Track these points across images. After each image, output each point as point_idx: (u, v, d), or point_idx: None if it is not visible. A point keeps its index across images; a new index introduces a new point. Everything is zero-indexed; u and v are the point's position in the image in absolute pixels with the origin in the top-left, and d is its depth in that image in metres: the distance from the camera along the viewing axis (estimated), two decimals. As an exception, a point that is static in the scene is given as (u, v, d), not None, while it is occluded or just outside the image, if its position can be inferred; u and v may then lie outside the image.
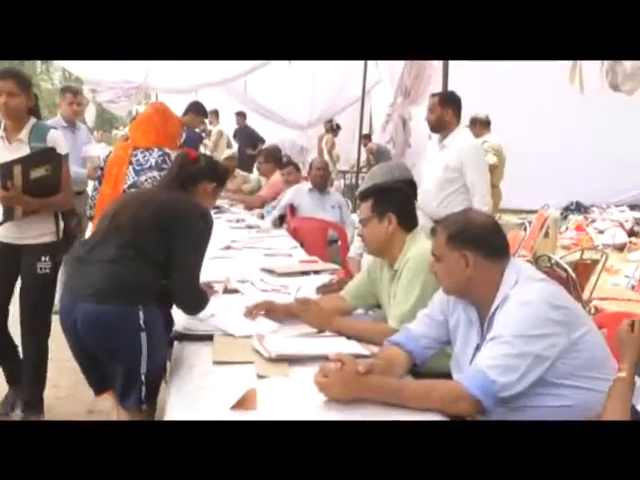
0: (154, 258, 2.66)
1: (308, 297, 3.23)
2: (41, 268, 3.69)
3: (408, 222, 2.93)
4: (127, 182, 3.86)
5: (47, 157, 3.60)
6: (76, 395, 4.13)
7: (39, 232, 3.70)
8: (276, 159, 7.61)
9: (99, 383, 2.78)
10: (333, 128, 12.68)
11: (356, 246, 4.66)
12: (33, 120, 3.69)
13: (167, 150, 3.92)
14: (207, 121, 13.17)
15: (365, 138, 10.61)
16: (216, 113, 13.21)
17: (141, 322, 2.55)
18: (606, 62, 5.74)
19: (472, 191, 4.55)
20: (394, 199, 2.94)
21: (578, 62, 5.44)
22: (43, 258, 3.69)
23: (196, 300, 2.83)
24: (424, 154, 5.20)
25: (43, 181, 3.57)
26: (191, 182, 2.97)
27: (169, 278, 2.76)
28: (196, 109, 7.12)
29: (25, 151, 3.57)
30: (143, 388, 2.58)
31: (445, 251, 2.25)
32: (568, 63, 5.89)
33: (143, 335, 2.55)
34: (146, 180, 3.83)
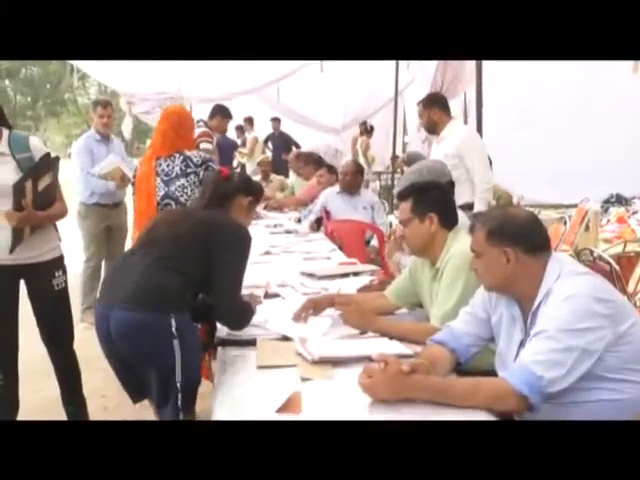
0: (188, 271, 2.69)
1: (350, 295, 3.25)
2: (57, 284, 3.60)
3: (449, 220, 2.91)
4: (159, 194, 3.98)
5: (50, 163, 3.47)
6: (124, 404, 4.17)
7: (48, 247, 3.57)
8: (314, 162, 7.67)
9: (136, 391, 2.82)
10: (367, 130, 12.68)
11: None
12: (6, 131, 3.47)
13: (187, 153, 4.03)
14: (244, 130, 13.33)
15: (394, 159, 10.55)
16: (250, 120, 13.30)
17: (173, 330, 2.57)
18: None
19: (472, 172, 4.85)
20: (434, 198, 2.91)
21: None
22: (57, 273, 3.60)
23: (238, 316, 2.84)
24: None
25: (48, 190, 3.45)
26: (227, 199, 3.02)
27: (210, 295, 2.82)
28: (221, 112, 7.08)
29: (10, 164, 3.38)
30: (179, 396, 2.60)
31: (485, 248, 2.24)
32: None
33: (176, 343, 2.57)
34: (176, 189, 3.95)
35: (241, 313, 2.85)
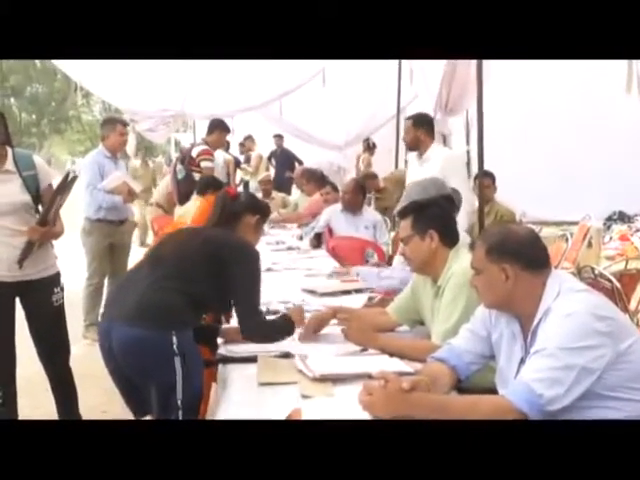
0: (192, 291, 2.70)
1: (351, 309, 3.26)
2: (56, 300, 3.63)
3: (450, 237, 2.92)
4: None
5: (72, 181, 3.53)
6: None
7: (48, 264, 3.62)
8: (317, 179, 7.71)
9: (138, 407, 2.82)
10: (369, 147, 12.70)
11: (397, 263, 4.69)
12: (10, 149, 3.49)
13: None
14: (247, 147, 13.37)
15: None
16: (251, 138, 13.34)
17: (174, 347, 2.58)
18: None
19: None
20: (434, 215, 2.93)
21: (635, 69, 5.34)
22: (56, 289, 3.64)
23: (266, 329, 2.85)
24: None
25: (60, 208, 3.54)
26: (234, 218, 3.04)
27: (217, 313, 2.83)
28: (221, 127, 6.96)
29: (17, 182, 3.44)
30: (180, 413, 2.61)
31: (485, 264, 2.24)
32: (615, 71, 5.77)
33: (177, 360, 2.58)
34: None
35: (263, 326, 2.85)
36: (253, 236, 3.10)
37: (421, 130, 5.25)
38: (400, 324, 3.20)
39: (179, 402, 2.59)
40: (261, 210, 3.17)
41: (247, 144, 13.49)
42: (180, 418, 2.60)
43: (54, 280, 3.65)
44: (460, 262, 2.79)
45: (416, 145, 5.28)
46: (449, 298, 2.79)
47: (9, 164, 3.45)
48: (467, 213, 4.87)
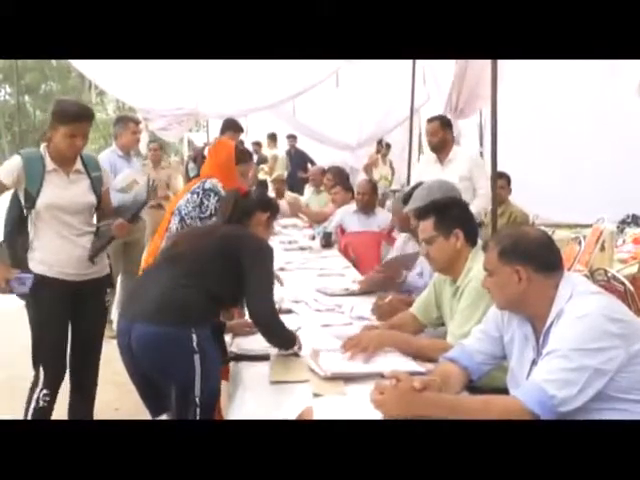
0: (210, 287, 2.72)
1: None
2: (107, 300, 3.69)
3: (473, 236, 2.91)
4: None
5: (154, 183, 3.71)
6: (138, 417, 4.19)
7: (106, 262, 3.66)
8: (343, 178, 7.75)
9: (155, 405, 2.83)
10: (382, 147, 12.67)
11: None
12: None
13: (208, 179, 4.07)
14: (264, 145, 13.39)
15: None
16: (273, 137, 13.33)
17: (194, 345, 2.60)
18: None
19: (477, 188, 5.08)
20: (457, 214, 2.93)
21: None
22: (108, 290, 3.69)
23: (276, 322, 2.83)
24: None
25: None
26: (246, 215, 3.07)
27: (233, 308, 2.85)
28: (233, 127, 6.82)
29: (85, 182, 3.49)
30: (197, 410, 2.62)
31: (497, 266, 2.24)
32: (631, 74, 5.75)
33: (196, 357, 2.60)
34: (183, 202, 4.02)
35: (277, 320, 2.84)
36: (264, 233, 3.13)
37: (448, 131, 5.27)
38: (425, 326, 3.18)
39: (197, 399, 2.61)
40: (271, 207, 3.20)
41: (269, 143, 13.49)
42: (198, 415, 2.61)
43: (108, 280, 3.71)
44: (479, 265, 2.77)
45: (443, 146, 5.26)
46: (468, 302, 2.77)
47: (79, 164, 3.51)
48: (486, 205, 4.94)
